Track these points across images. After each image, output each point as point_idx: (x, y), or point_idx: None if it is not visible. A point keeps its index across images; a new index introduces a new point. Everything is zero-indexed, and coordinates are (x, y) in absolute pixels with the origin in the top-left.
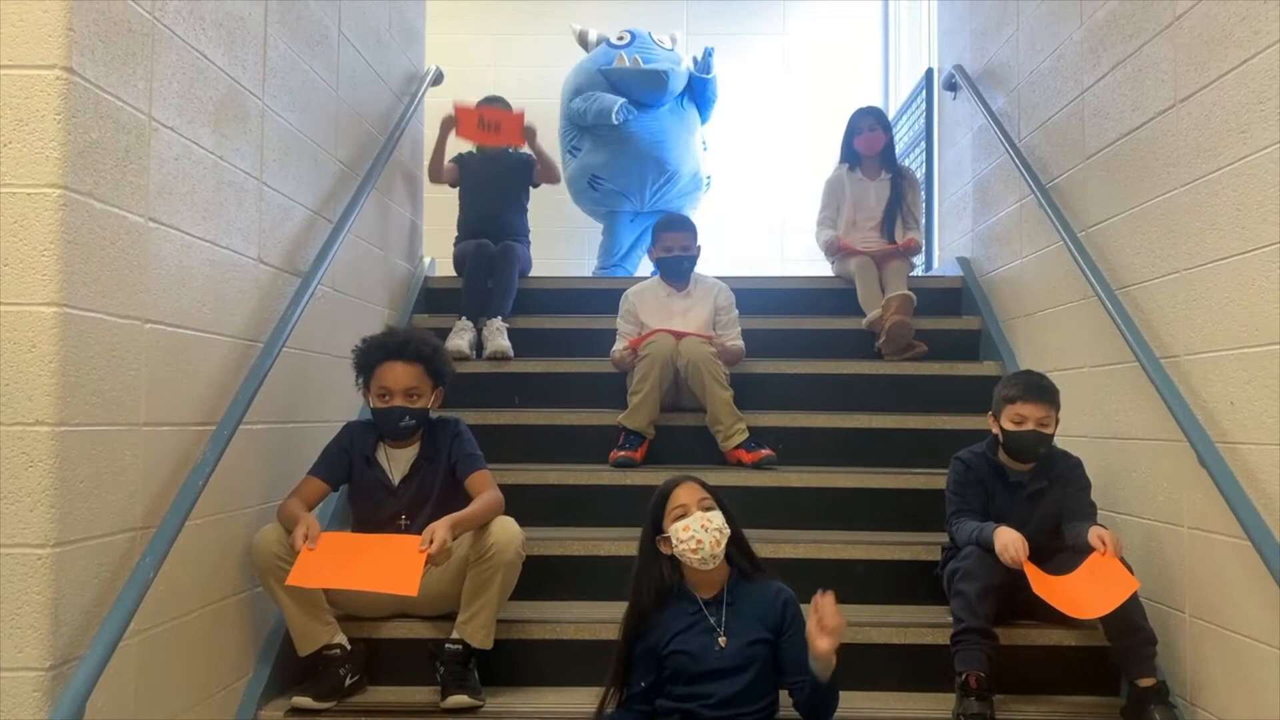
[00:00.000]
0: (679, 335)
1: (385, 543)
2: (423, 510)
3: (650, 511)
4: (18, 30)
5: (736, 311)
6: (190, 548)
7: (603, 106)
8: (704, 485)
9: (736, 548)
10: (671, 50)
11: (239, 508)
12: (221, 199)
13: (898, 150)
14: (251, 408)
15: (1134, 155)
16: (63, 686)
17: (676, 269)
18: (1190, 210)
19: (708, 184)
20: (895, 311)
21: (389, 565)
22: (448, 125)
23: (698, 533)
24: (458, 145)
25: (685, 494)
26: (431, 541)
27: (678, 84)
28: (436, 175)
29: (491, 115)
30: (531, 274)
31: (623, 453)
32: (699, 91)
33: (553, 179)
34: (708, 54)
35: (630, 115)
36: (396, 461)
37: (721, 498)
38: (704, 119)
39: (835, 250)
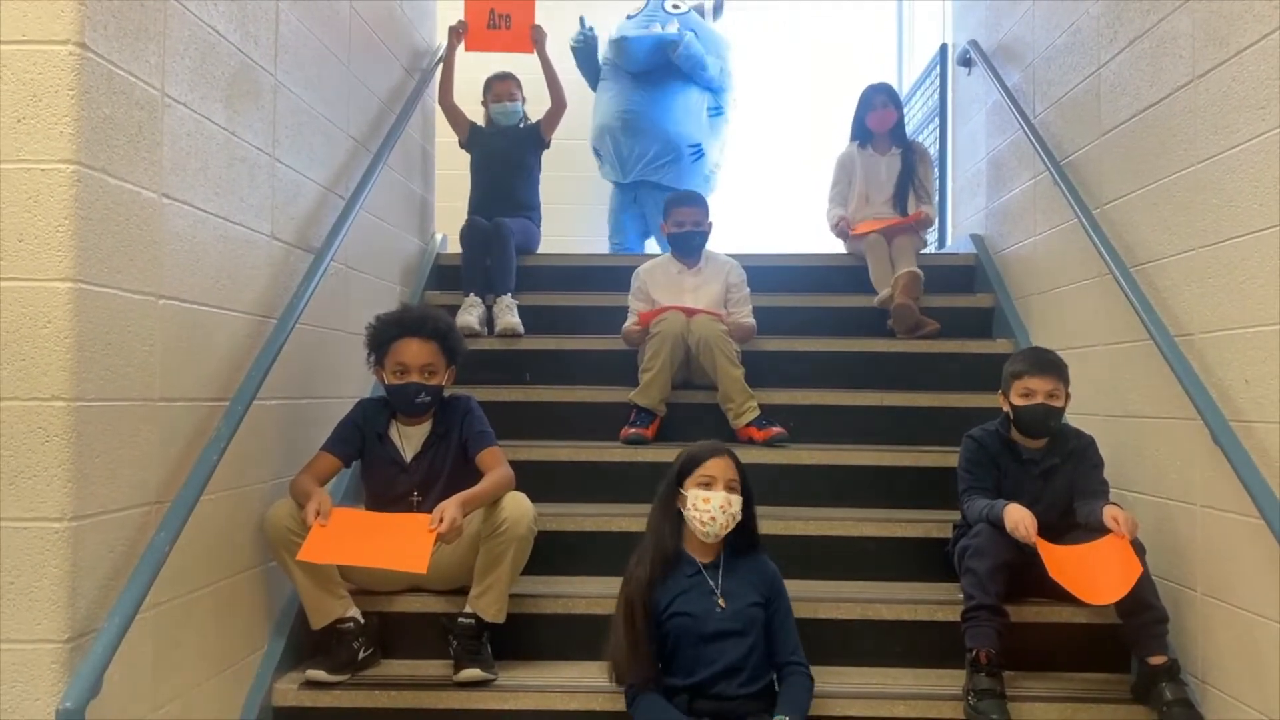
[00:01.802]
0: (690, 312)
1: (396, 520)
2: (434, 487)
3: (678, 466)
4: (31, 6)
5: (748, 289)
6: (205, 522)
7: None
8: (736, 463)
9: (743, 528)
10: (684, 14)
11: (253, 483)
12: (234, 175)
13: (912, 126)
14: (265, 384)
15: (1150, 132)
16: (80, 659)
17: (688, 244)
18: (1207, 187)
19: (694, 154)
20: (901, 292)
21: (399, 542)
22: (456, 36)
23: (715, 511)
24: (471, 89)
25: (717, 467)
26: (441, 520)
27: (638, 50)
28: (446, 96)
29: (502, 6)
30: (542, 250)
31: (634, 429)
32: (694, 66)
33: (559, 101)
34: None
35: (588, 35)
36: (409, 438)
37: (747, 479)
38: (701, 86)
39: (843, 233)
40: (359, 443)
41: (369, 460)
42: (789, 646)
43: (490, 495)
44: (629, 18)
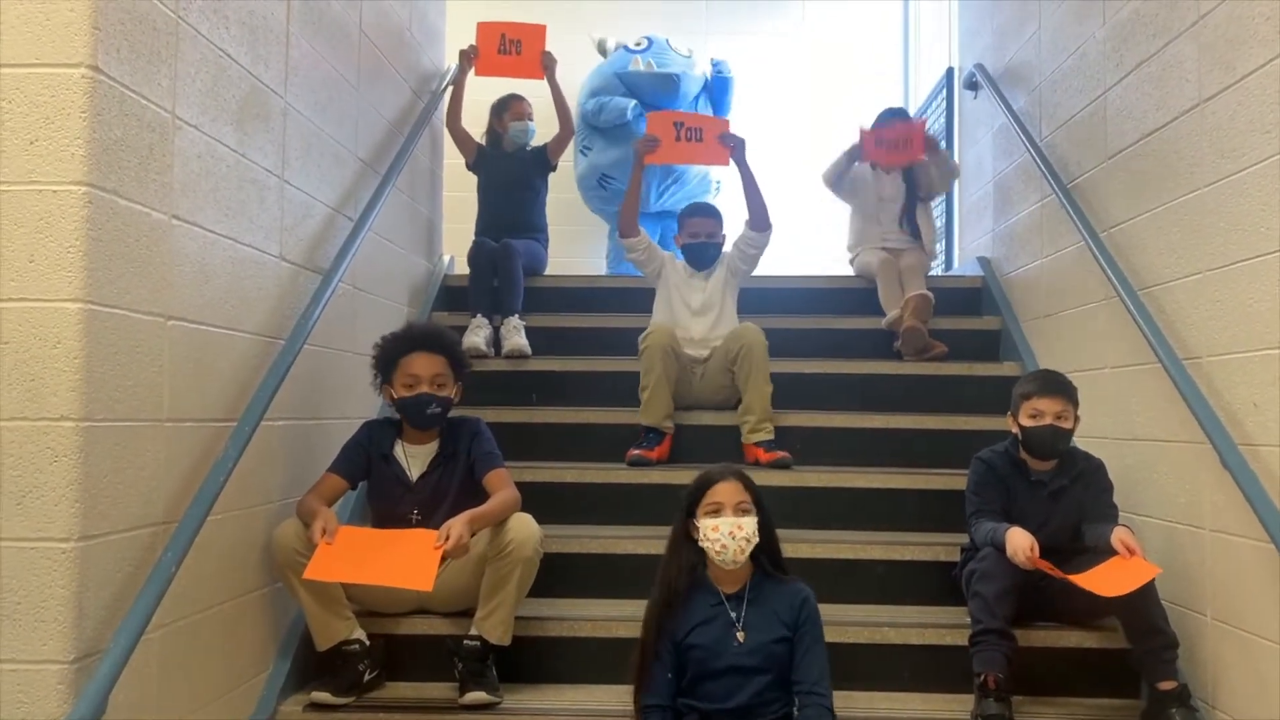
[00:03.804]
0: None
1: (402, 538)
2: (440, 508)
3: (687, 496)
4: (44, 29)
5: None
6: (211, 543)
7: (617, 106)
8: (746, 484)
9: (765, 549)
10: (688, 57)
11: (259, 503)
12: (244, 197)
13: None
14: (272, 404)
15: (1157, 155)
16: (86, 680)
17: (702, 256)
18: (1214, 210)
19: (717, 188)
20: (912, 314)
21: (405, 560)
22: (467, 60)
23: (724, 538)
24: (475, 110)
25: (724, 492)
26: (448, 537)
27: (690, 88)
28: (454, 120)
29: (514, 31)
30: (549, 272)
31: (638, 451)
32: (718, 93)
33: (568, 127)
34: (716, 65)
35: (640, 114)
36: (415, 458)
37: (761, 498)
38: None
39: (855, 155)
40: (365, 463)
41: (375, 480)
42: (811, 675)
43: (497, 515)
44: (629, 50)
